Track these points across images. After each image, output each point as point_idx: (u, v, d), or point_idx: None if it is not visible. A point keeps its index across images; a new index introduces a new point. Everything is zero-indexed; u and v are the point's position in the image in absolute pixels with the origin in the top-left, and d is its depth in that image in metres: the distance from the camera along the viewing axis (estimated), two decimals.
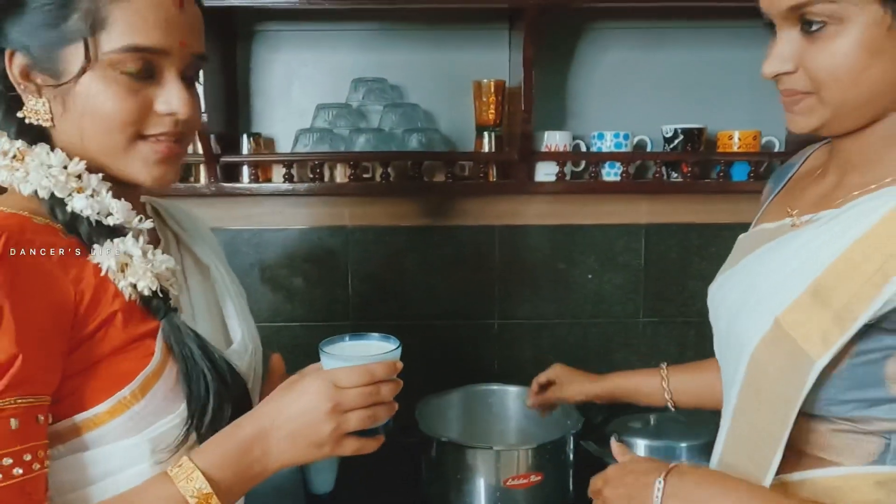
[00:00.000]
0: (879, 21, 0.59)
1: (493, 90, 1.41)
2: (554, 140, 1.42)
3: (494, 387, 1.30)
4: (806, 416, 0.65)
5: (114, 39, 0.62)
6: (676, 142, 1.43)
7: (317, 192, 1.42)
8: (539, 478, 1.09)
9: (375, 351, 0.71)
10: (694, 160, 1.42)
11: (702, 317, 1.44)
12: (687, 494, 0.64)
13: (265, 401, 0.66)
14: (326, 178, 1.44)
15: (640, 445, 1.29)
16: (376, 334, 0.74)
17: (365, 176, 1.45)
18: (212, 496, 0.60)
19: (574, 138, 1.44)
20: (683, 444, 1.27)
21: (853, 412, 0.63)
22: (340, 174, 1.44)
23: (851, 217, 0.64)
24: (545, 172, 1.44)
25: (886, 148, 0.66)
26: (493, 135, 1.44)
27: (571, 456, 1.16)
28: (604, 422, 1.24)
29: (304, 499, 1.21)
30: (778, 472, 0.66)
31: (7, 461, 0.55)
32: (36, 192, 0.63)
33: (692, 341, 1.54)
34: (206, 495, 0.60)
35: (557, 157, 1.42)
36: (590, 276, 1.53)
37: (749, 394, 0.68)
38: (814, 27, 0.61)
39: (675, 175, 1.47)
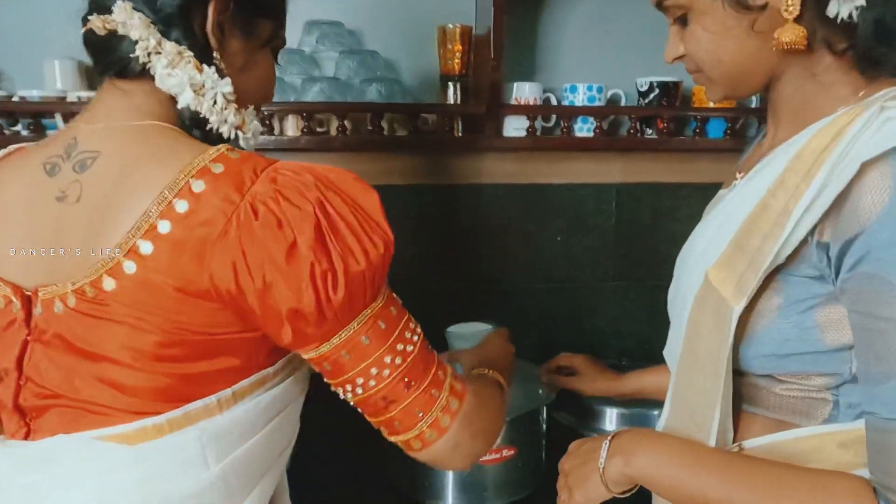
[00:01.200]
0: (716, 4, 0.64)
1: (458, 37, 1.30)
2: (524, 92, 1.32)
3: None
4: (753, 376, 0.67)
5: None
6: (651, 96, 1.35)
7: (264, 148, 1.29)
8: (512, 452, 1.02)
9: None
10: (669, 115, 1.35)
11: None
12: (630, 448, 0.69)
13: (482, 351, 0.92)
14: (276, 132, 1.31)
15: (614, 413, 1.23)
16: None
17: (319, 130, 1.33)
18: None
19: (545, 91, 1.35)
20: (657, 412, 1.22)
21: (795, 368, 0.64)
22: (291, 127, 1.31)
23: (770, 165, 0.66)
24: (514, 127, 1.35)
25: (803, 103, 0.67)
26: (458, 86, 1.34)
27: (545, 428, 1.10)
28: (577, 392, 1.18)
29: None
30: (736, 440, 0.69)
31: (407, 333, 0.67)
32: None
33: (664, 306, 1.48)
34: None
35: (527, 110, 1.32)
36: (559, 239, 1.46)
37: (688, 354, 0.71)
38: (680, 18, 0.69)
39: (650, 132, 1.39)
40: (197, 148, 0.62)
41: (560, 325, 1.49)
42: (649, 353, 1.49)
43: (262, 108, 1.27)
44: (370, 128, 1.29)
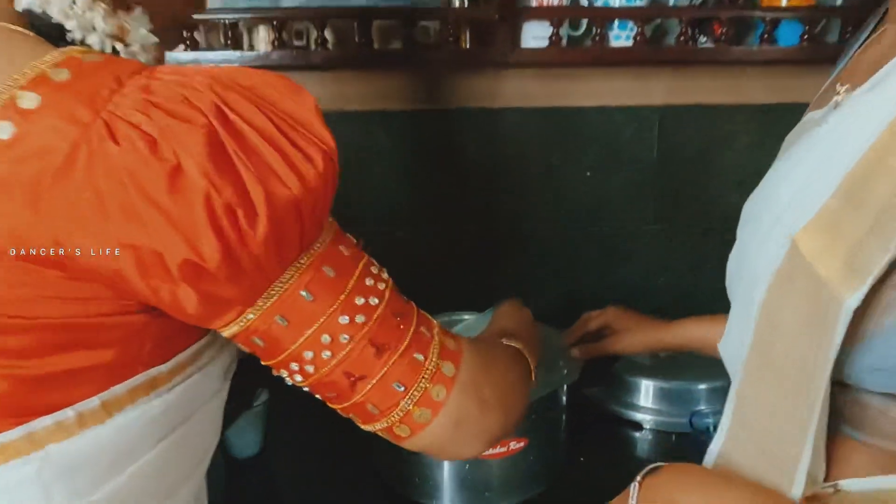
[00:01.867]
0: None
1: None
2: None
3: (466, 317, 1.01)
4: (863, 392, 0.45)
5: None
6: None
7: (231, 64, 1.07)
8: (522, 444, 0.82)
9: None
10: (730, 17, 1.08)
11: (726, 223, 1.14)
12: (669, 497, 0.50)
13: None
14: (245, 47, 1.09)
15: (650, 387, 1.02)
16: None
17: (296, 43, 1.10)
18: None
19: None
20: (702, 386, 1.01)
21: None
22: (262, 40, 1.09)
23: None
24: (534, 36, 1.09)
25: None
26: None
27: (564, 414, 0.89)
28: (605, 363, 0.96)
29: (223, 464, 0.95)
30: (830, 477, 0.47)
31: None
32: None
33: (711, 255, 1.25)
34: None
35: (551, 13, 1.07)
36: (588, 174, 1.22)
37: (759, 356, 0.49)
38: None
39: (704, 39, 1.12)
40: (36, 49, 0.42)
41: (587, 276, 1.27)
42: (693, 311, 1.27)
43: (228, 20, 1.06)
44: (357, 39, 1.05)
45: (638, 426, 1.01)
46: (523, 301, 0.81)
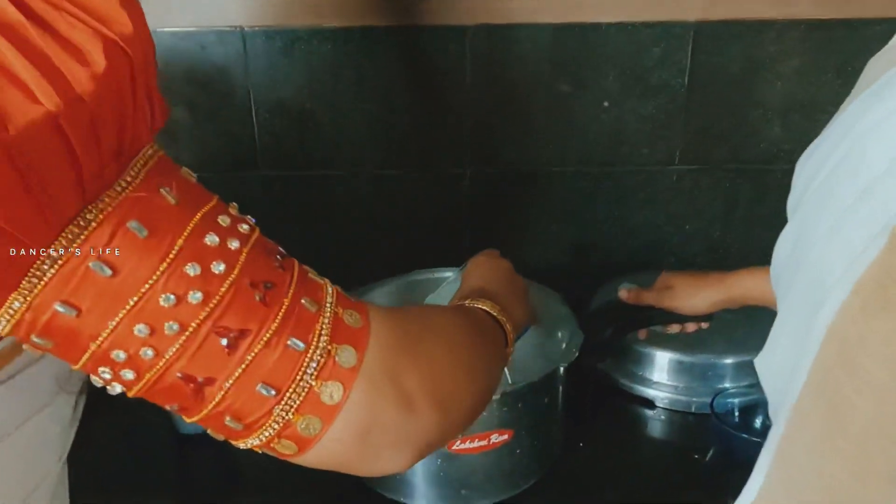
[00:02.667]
0: None
1: None
2: None
3: (449, 273, 0.86)
4: None
5: None
6: None
7: None
8: (506, 437, 0.70)
9: None
10: None
11: (765, 163, 0.97)
12: None
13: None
14: None
15: (671, 360, 0.88)
16: None
17: None
18: None
19: None
20: (727, 361, 0.87)
21: None
22: None
23: None
24: None
25: None
26: None
27: (562, 398, 0.76)
28: (615, 335, 0.82)
29: (172, 441, 0.84)
30: None
31: None
32: None
33: (747, 199, 1.08)
34: None
35: None
36: (606, 104, 1.04)
37: (819, 403, 0.32)
38: None
39: None
40: None
41: (602, 223, 1.11)
42: (722, 263, 1.11)
43: None
44: None
45: (650, 404, 0.88)
46: (525, 252, 0.66)
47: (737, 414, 0.82)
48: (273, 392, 0.36)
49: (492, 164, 1.08)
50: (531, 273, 0.77)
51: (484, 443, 0.69)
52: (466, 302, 0.54)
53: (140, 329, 0.33)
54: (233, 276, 0.35)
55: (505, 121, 1.05)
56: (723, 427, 0.78)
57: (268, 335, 0.35)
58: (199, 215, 0.35)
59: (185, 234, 0.34)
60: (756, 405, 0.82)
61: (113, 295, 0.32)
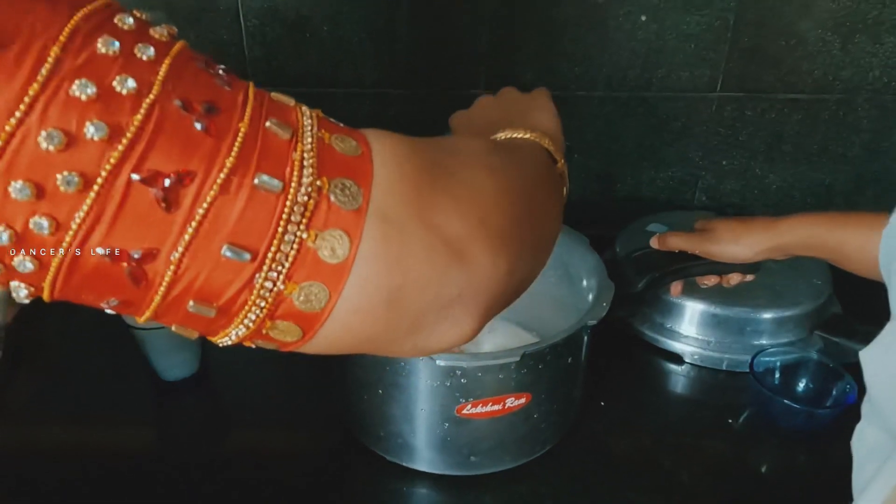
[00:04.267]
0: None
1: None
2: None
3: None
4: None
5: None
6: None
7: None
8: (523, 401, 0.61)
9: None
10: None
11: (818, 92, 0.86)
12: None
13: None
14: None
15: (703, 313, 0.80)
16: None
17: None
18: None
19: None
20: (767, 315, 0.78)
21: None
22: None
23: None
24: None
25: None
26: None
27: (585, 359, 0.67)
28: (648, 287, 0.72)
29: (152, 388, 0.77)
30: None
31: None
32: None
33: (796, 132, 0.96)
34: None
35: None
36: (643, 18, 0.91)
37: None
38: None
39: None
40: None
41: (630, 155, 1.00)
42: (765, 207, 1.01)
43: None
44: None
45: (677, 359, 0.80)
46: None
47: (777, 375, 0.74)
48: (246, 255, 0.26)
49: (510, 84, 0.96)
50: None
51: (498, 407, 0.60)
52: (499, 135, 0.42)
53: (18, 189, 0.23)
54: (151, 95, 0.24)
55: (525, 36, 0.92)
56: (761, 389, 0.70)
57: (222, 176, 0.25)
58: (80, 14, 0.24)
59: (63, 38, 0.23)
60: (798, 366, 0.74)
61: None
